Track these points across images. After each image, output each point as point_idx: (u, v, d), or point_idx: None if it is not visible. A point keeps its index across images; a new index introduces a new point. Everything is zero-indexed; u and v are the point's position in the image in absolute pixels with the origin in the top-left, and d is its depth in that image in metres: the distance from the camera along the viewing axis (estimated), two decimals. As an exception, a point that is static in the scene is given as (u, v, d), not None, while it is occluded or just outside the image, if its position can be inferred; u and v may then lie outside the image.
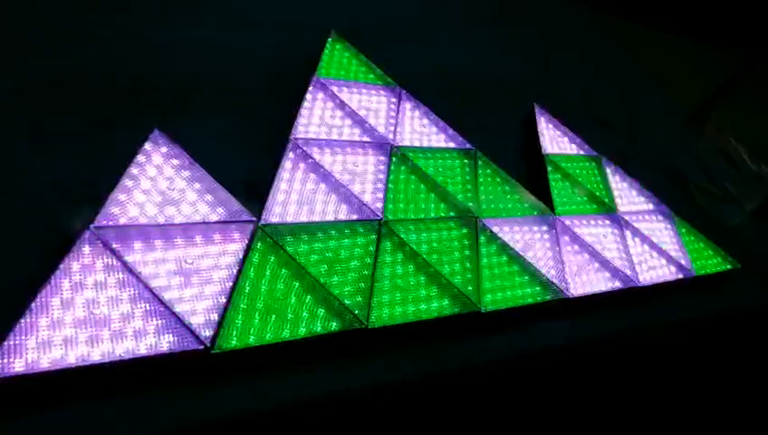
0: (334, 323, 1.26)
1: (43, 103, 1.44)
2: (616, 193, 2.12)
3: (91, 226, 1.13)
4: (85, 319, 1.04)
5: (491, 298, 1.51)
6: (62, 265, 1.07)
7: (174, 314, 1.10)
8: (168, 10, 1.87)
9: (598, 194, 2.04)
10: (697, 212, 2.37)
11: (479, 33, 2.73)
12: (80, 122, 1.44)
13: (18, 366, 0.95)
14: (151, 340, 1.07)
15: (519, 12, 3.10)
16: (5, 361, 0.95)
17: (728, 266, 2.08)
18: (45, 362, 0.97)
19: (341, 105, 1.74)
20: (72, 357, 0.99)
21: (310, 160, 1.53)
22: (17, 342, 0.97)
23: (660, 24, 4.15)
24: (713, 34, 4.20)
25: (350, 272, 1.37)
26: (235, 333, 1.15)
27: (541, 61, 2.81)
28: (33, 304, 1.01)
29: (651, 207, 2.18)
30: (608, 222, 1.98)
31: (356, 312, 1.28)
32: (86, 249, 1.11)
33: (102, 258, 1.12)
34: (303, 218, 1.40)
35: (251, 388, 1.14)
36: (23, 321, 0.99)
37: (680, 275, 1.94)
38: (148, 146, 1.32)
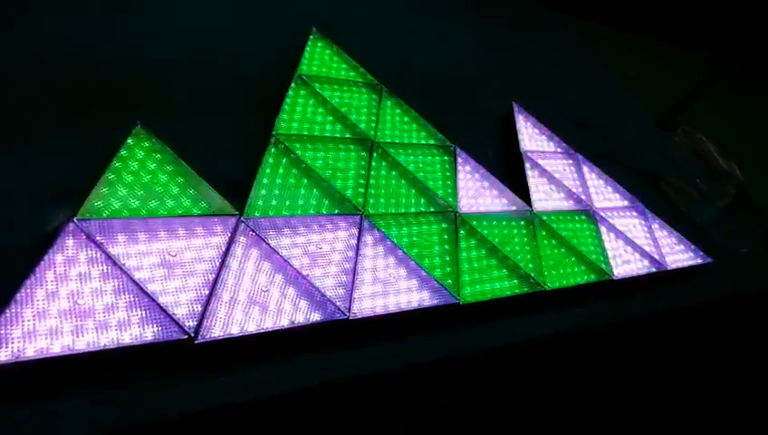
0: (316, 315, 1.28)
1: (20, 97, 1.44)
2: (592, 190, 2.18)
3: (75, 218, 1.14)
4: (70, 310, 1.06)
5: (470, 290, 1.54)
6: (45, 258, 1.08)
7: (158, 304, 1.12)
8: (152, 8, 1.88)
9: (574, 191, 2.09)
10: (670, 208, 2.44)
11: (459, 38, 2.78)
12: (60, 117, 1.44)
13: (3, 356, 0.96)
14: (136, 330, 1.08)
15: (496, 17, 3.16)
16: (-10, 350, 0.96)
17: (699, 260, 2.15)
18: (30, 351, 0.98)
19: (323, 102, 1.76)
20: (58, 346, 1.01)
21: (292, 156, 1.55)
22: (2, 332, 0.98)
23: (634, 28, 4.27)
24: (685, 38, 4.33)
25: (332, 265, 1.40)
26: (218, 323, 1.17)
27: (519, 63, 2.87)
28: (17, 296, 1.02)
29: (626, 203, 2.24)
30: (584, 218, 2.03)
31: (338, 304, 1.31)
32: (70, 242, 1.12)
33: (86, 250, 1.13)
34: (286, 213, 1.43)
35: (234, 377, 1.16)
36: (7, 312, 1.00)
37: (654, 269, 2.00)
38: (130, 141, 1.33)
